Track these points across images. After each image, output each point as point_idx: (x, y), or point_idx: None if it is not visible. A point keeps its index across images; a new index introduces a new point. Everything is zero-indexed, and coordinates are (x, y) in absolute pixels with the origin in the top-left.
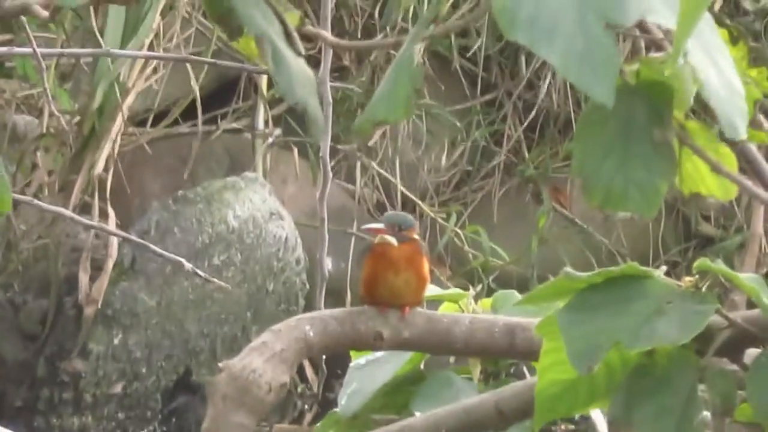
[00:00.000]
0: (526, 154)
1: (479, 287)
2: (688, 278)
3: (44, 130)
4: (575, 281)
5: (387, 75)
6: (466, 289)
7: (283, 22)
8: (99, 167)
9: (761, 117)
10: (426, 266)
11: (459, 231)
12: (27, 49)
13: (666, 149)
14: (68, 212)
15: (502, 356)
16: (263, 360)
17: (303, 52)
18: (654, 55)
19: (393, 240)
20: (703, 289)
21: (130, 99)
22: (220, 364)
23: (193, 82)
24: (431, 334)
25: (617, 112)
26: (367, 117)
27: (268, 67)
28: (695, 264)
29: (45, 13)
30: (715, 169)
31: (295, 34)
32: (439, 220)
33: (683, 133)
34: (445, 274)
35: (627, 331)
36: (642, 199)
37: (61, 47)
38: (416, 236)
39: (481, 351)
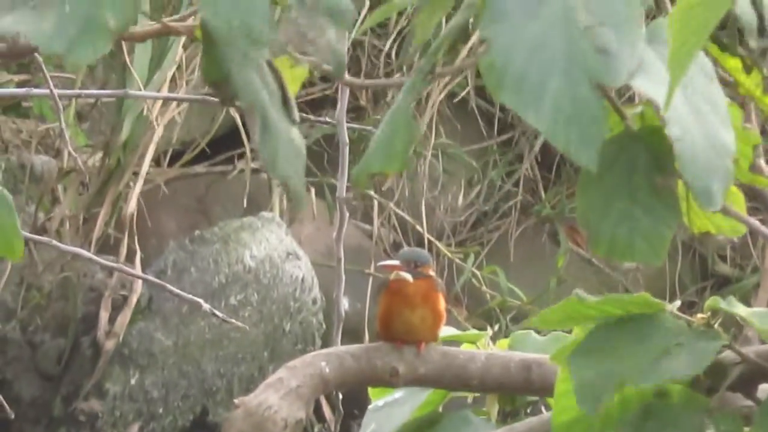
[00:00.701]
0: (543, 194)
1: (497, 327)
2: (700, 315)
3: (64, 167)
4: (585, 305)
5: (382, 125)
6: (483, 329)
7: (282, 87)
8: (131, 205)
9: (762, 162)
10: (442, 302)
11: (476, 271)
12: (44, 91)
13: (669, 195)
14: (86, 253)
15: (518, 392)
16: (279, 396)
17: (297, 120)
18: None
19: (408, 276)
20: (715, 326)
21: (157, 135)
22: (235, 401)
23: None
24: (447, 370)
25: (619, 160)
26: (363, 168)
27: (254, 140)
28: (706, 303)
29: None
30: (722, 210)
31: (293, 102)
32: (457, 261)
33: None
34: (462, 315)
35: (634, 370)
36: (648, 248)
37: (80, 86)
38: (432, 273)
39: (497, 387)
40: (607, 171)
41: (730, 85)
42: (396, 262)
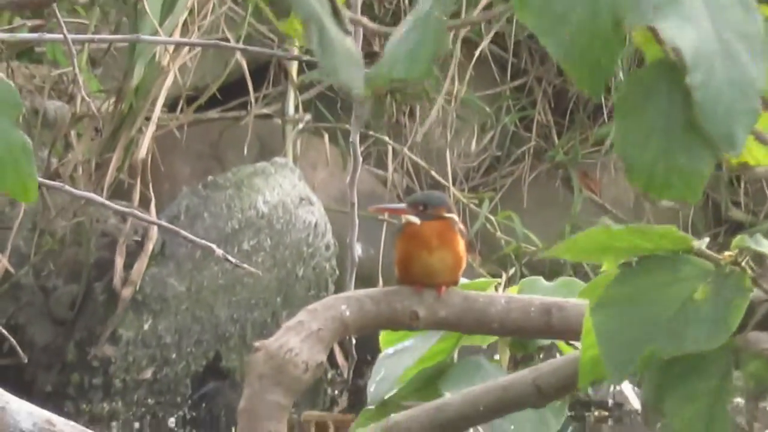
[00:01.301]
0: (556, 140)
1: (512, 272)
2: (727, 253)
3: (77, 113)
4: (613, 235)
5: (405, 32)
6: (498, 275)
7: (331, 0)
8: (142, 151)
9: None
10: (461, 244)
11: (491, 216)
12: (57, 36)
13: (706, 134)
14: (99, 198)
15: (538, 336)
16: (300, 339)
17: (350, 30)
18: None
19: (415, 219)
20: (743, 264)
21: (169, 80)
22: (256, 344)
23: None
24: (467, 313)
25: (657, 91)
26: (384, 71)
27: (314, 49)
28: (734, 241)
29: None
30: (760, 139)
31: (342, 13)
32: (471, 206)
33: None
34: (476, 261)
35: (660, 336)
36: (684, 187)
37: (93, 31)
38: (448, 215)
39: (516, 330)
40: (645, 102)
41: None
42: (399, 205)
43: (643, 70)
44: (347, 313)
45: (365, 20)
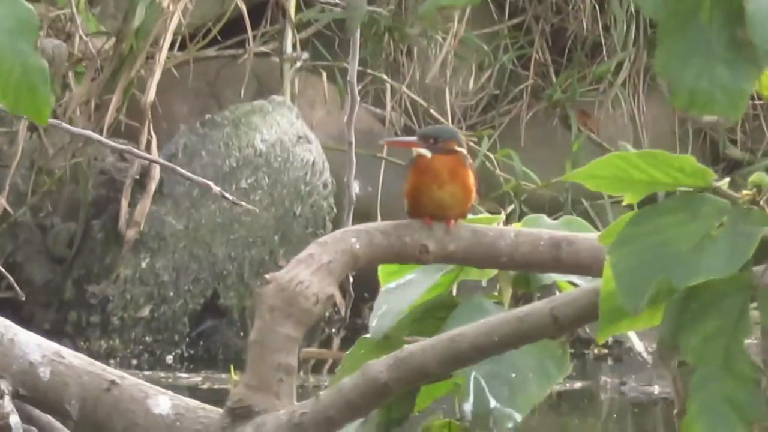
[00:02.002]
0: (554, 78)
1: (510, 210)
2: (745, 192)
3: (75, 53)
4: (631, 164)
5: None
6: (497, 212)
7: None
8: (150, 95)
9: None
10: (471, 178)
11: (490, 154)
12: None
13: (748, 49)
14: (96, 135)
15: (547, 270)
16: (310, 272)
17: None
18: None
19: (426, 152)
20: (761, 203)
21: (174, 22)
22: (266, 276)
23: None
24: (477, 246)
25: (699, 12)
26: (432, 1)
27: None
28: (750, 179)
29: None
30: None
31: None
32: (470, 144)
33: None
34: (475, 199)
35: (675, 265)
36: (727, 102)
37: None
38: (458, 148)
39: (525, 264)
40: (686, 24)
41: None
42: (409, 138)
43: None
44: (357, 246)
45: None
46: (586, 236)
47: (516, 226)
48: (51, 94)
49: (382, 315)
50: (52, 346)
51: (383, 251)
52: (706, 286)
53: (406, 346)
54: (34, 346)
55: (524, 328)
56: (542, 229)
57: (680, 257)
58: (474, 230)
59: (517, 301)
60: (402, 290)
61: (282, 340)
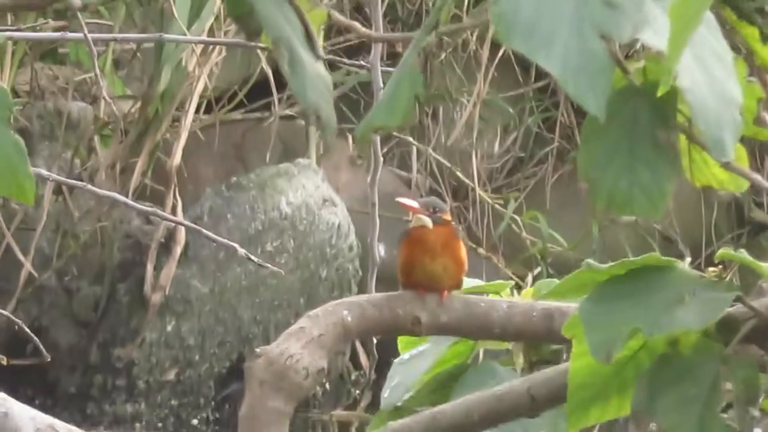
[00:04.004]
0: (579, 140)
1: (536, 272)
2: (711, 269)
3: (100, 116)
4: (598, 273)
5: (390, 80)
6: (523, 275)
7: (304, 24)
8: (176, 158)
9: (765, 114)
10: (463, 250)
11: (516, 217)
12: (78, 35)
13: (671, 150)
14: (121, 197)
15: (541, 341)
16: (301, 345)
17: (322, 55)
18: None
19: (428, 220)
20: (726, 279)
21: (200, 85)
22: (257, 350)
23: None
24: (469, 318)
25: (621, 114)
26: (366, 123)
27: (283, 70)
28: (718, 253)
29: (78, 2)
30: (724, 165)
31: (316, 37)
32: (496, 206)
33: (691, 129)
34: (500, 262)
35: (646, 319)
36: (647, 202)
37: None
38: (450, 219)
39: (518, 335)
40: (609, 125)
41: (746, 55)
42: (415, 203)
43: (608, 97)
44: (349, 318)
45: (363, 29)
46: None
47: (529, 291)
48: (30, 174)
49: (394, 387)
50: (46, 420)
51: (375, 323)
52: (677, 355)
53: (389, 422)
54: (28, 420)
55: (503, 407)
56: (537, 301)
57: (652, 314)
58: (466, 301)
59: (532, 366)
60: (414, 361)
61: (272, 415)
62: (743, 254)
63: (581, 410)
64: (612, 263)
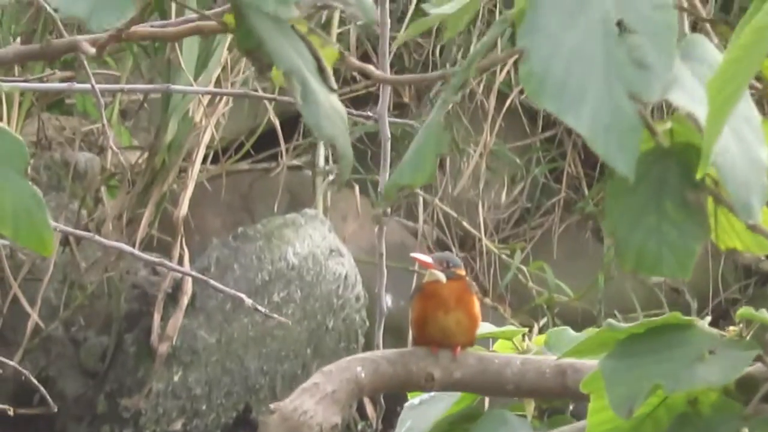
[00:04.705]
0: (586, 191)
1: (543, 323)
2: (732, 327)
3: (107, 167)
4: (618, 332)
5: (416, 138)
6: (530, 326)
7: (316, 56)
8: (183, 209)
9: None
10: (477, 305)
11: (522, 267)
12: (86, 86)
13: (699, 211)
14: (128, 247)
15: (554, 397)
16: (314, 401)
17: (335, 87)
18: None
19: (442, 276)
20: (747, 338)
21: (207, 137)
22: (271, 406)
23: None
24: (482, 375)
25: (650, 175)
26: (393, 182)
27: (296, 103)
28: (738, 312)
29: (92, 50)
30: (750, 227)
31: (329, 70)
32: (503, 256)
33: (718, 191)
34: (507, 312)
35: (667, 375)
36: (675, 263)
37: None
38: (464, 275)
39: (532, 392)
40: (638, 185)
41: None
42: (429, 259)
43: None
44: (362, 374)
45: (378, 72)
46: (592, 363)
47: (539, 339)
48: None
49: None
50: None
51: (389, 379)
52: (697, 414)
53: None
54: None
55: None
56: (561, 344)
57: (673, 370)
58: (480, 358)
59: (542, 413)
60: (426, 406)
61: None
62: (764, 314)
63: None
64: (633, 324)
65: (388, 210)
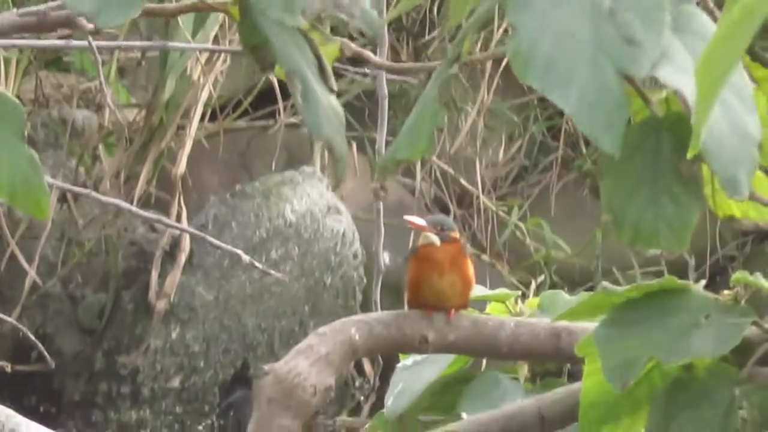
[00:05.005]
0: (584, 149)
1: (541, 280)
2: (726, 291)
3: (105, 125)
4: (612, 296)
5: (413, 111)
6: (527, 282)
7: (318, 56)
8: (181, 167)
9: None
10: (471, 268)
11: (520, 224)
12: (83, 43)
13: (694, 182)
14: (126, 204)
15: (548, 359)
16: (309, 363)
17: (335, 88)
18: None
19: (436, 239)
20: (742, 302)
21: (204, 94)
22: (264, 367)
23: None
24: (476, 337)
25: (644, 146)
26: (390, 156)
27: (297, 103)
28: (733, 277)
29: (89, 26)
30: (743, 199)
31: (329, 70)
32: (500, 213)
33: None
34: (505, 269)
35: (663, 346)
36: (672, 235)
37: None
38: (458, 237)
39: (526, 354)
40: (632, 157)
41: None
42: (423, 222)
43: (630, 128)
44: (356, 336)
45: (377, 59)
46: (586, 326)
47: (533, 302)
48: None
49: (398, 394)
50: None
51: (383, 342)
52: (692, 378)
53: None
54: None
55: (513, 426)
56: (555, 307)
57: (668, 340)
58: (474, 321)
59: (535, 376)
60: (419, 368)
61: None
62: (759, 279)
63: (593, 430)
64: (627, 287)
65: (386, 186)
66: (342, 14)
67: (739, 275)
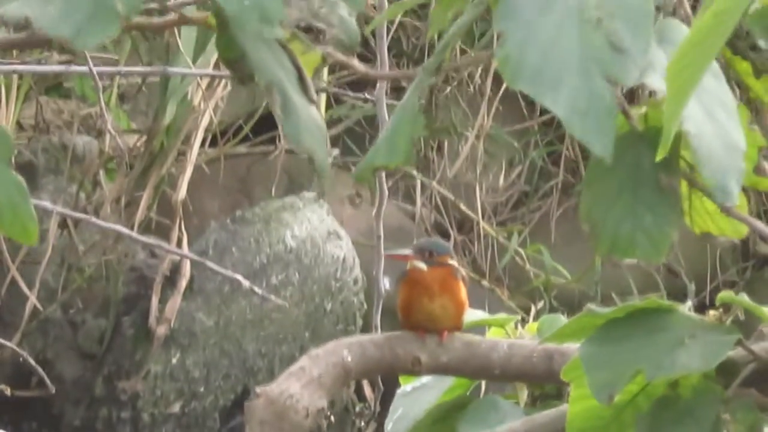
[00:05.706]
0: (584, 175)
1: (541, 305)
2: (712, 312)
3: (105, 150)
4: (598, 317)
5: (391, 119)
6: (527, 308)
7: (297, 67)
8: (181, 193)
9: (766, 163)
10: (463, 291)
11: (520, 249)
12: (83, 68)
13: (672, 195)
14: (126, 230)
15: (541, 381)
16: (301, 385)
17: (315, 99)
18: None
19: (422, 265)
20: (727, 322)
21: (205, 120)
22: (257, 389)
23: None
24: (469, 359)
25: (624, 159)
26: (367, 163)
27: (276, 115)
28: (718, 296)
29: (80, 49)
30: (724, 210)
31: (309, 81)
32: (501, 239)
33: (692, 175)
34: (504, 294)
35: (648, 361)
36: (649, 246)
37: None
38: (451, 262)
39: (519, 376)
40: (612, 170)
41: (740, 89)
42: (405, 251)
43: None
44: (349, 358)
45: (362, 67)
46: (578, 347)
47: (533, 326)
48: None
49: (397, 420)
50: None
51: (376, 363)
52: (678, 397)
53: None
54: None
55: None
56: (535, 341)
57: (654, 355)
58: (467, 342)
59: (534, 400)
60: (418, 393)
61: None
62: (744, 298)
63: None
64: (613, 308)
65: (386, 192)
66: (319, 23)
67: (724, 295)
